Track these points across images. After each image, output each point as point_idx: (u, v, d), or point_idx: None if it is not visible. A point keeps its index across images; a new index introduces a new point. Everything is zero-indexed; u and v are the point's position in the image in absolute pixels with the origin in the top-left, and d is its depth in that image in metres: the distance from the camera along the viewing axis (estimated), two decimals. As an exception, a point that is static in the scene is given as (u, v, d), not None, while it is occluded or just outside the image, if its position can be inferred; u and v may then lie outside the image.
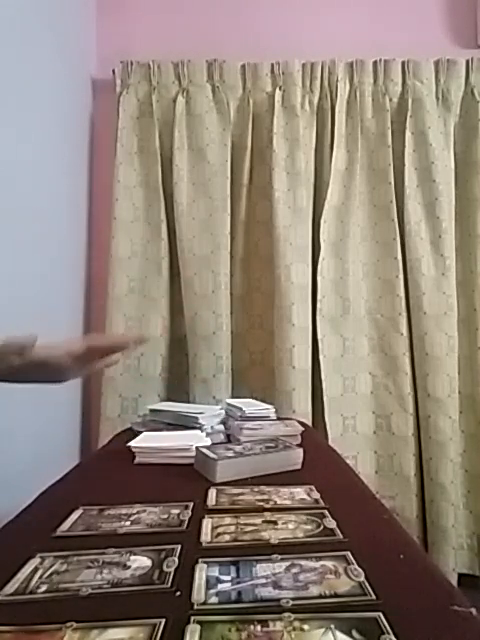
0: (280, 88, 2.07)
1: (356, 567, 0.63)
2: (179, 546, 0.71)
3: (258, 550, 0.69)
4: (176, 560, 0.66)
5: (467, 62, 2.10)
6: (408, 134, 2.05)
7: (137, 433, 1.39)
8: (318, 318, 1.99)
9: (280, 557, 0.66)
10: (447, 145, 2.08)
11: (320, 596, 0.57)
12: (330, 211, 2.04)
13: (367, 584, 0.59)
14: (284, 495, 0.92)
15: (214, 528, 0.77)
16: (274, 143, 2.01)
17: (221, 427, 1.50)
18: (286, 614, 0.53)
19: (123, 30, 2.19)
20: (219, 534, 0.75)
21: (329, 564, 0.64)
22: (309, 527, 0.77)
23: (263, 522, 0.79)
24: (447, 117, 2.09)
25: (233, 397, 1.90)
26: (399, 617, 0.52)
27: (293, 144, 2.04)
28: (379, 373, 2.04)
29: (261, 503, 0.88)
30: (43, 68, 1.68)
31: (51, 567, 0.66)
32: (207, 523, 0.79)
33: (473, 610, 0.54)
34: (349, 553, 0.67)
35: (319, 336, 1.98)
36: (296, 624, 0.51)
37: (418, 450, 1.99)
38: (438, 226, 2.02)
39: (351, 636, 0.49)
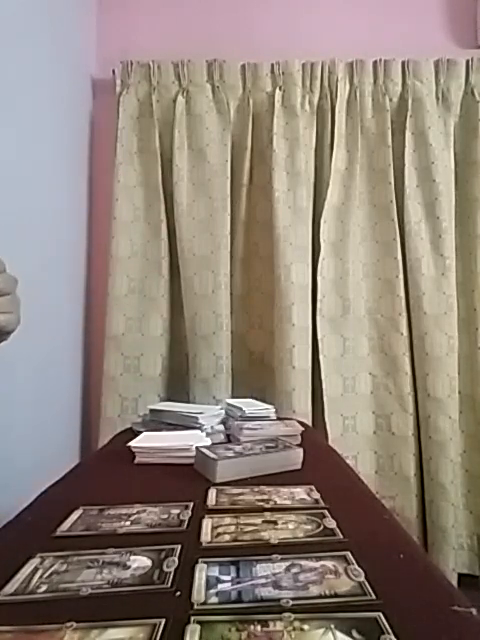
0: (280, 88, 2.07)
1: (356, 567, 0.63)
2: (179, 546, 0.71)
3: (258, 550, 0.69)
4: (176, 560, 0.66)
5: (467, 62, 2.10)
6: (408, 134, 2.05)
7: (137, 433, 1.39)
8: (318, 318, 1.99)
9: (280, 557, 0.66)
10: (447, 145, 2.08)
11: (320, 596, 0.57)
12: (330, 211, 2.04)
13: (367, 584, 0.59)
14: (284, 495, 0.92)
15: (214, 528, 0.77)
16: (274, 143, 2.01)
17: (221, 427, 1.50)
18: (286, 614, 0.53)
19: (123, 30, 2.19)
20: (219, 534, 0.75)
21: (329, 564, 0.64)
22: (309, 527, 0.77)
23: (263, 522, 0.79)
24: (447, 117, 2.09)
25: (233, 397, 1.90)
26: (399, 617, 0.52)
27: (293, 144, 2.04)
28: (379, 373, 2.04)
29: (261, 503, 0.88)
30: (43, 68, 1.68)
31: (51, 567, 0.66)
32: (207, 523, 0.79)
33: (473, 610, 0.54)
34: (349, 553, 0.67)
35: (319, 336, 1.98)
36: (296, 624, 0.51)
37: (418, 450, 1.99)
38: (438, 226, 2.02)
39: (351, 636, 0.49)
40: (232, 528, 0.77)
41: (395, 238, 2.04)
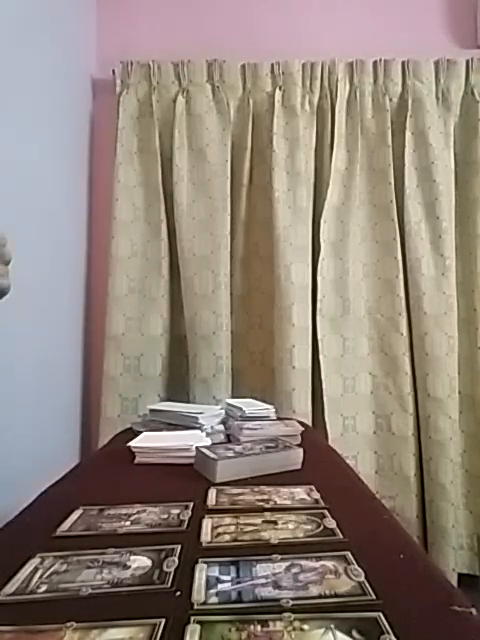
0: (280, 88, 2.07)
1: (356, 567, 0.63)
2: (179, 546, 0.71)
3: (258, 550, 0.69)
4: (176, 560, 0.66)
5: (467, 62, 2.10)
6: (408, 134, 2.05)
7: (137, 433, 1.39)
8: (318, 318, 1.99)
9: (280, 557, 0.66)
10: (447, 145, 2.08)
11: (320, 596, 0.57)
12: (330, 211, 2.04)
13: (367, 584, 0.59)
14: (284, 495, 0.92)
15: (214, 528, 0.77)
16: (274, 143, 2.01)
17: (221, 427, 1.50)
18: (286, 614, 0.53)
19: (123, 30, 2.19)
20: (219, 534, 0.75)
21: (329, 564, 0.64)
22: (309, 527, 0.77)
23: (263, 522, 0.79)
24: (447, 117, 2.09)
25: (233, 397, 1.90)
26: (399, 617, 0.52)
27: (293, 144, 2.04)
28: (379, 373, 2.04)
29: (261, 503, 0.88)
30: (43, 68, 1.68)
31: (51, 567, 0.66)
32: (207, 523, 0.79)
33: (473, 610, 0.54)
34: (349, 553, 0.67)
35: (319, 336, 1.98)
36: (296, 624, 0.51)
37: (418, 450, 1.99)
38: (438, 226, 2.02)
39: (351, 636, 0.49)
40: (232, 528, 0.77)
41: (395, 238, 2.04)
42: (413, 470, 1.96)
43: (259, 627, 0.51)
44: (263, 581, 0.60)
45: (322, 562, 0.65)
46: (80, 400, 2.00)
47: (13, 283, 1.29)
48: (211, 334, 1.95)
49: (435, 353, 1.96)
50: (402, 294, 2.03)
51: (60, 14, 1.83)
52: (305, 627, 0.50)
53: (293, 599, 0.56)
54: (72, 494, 0.98)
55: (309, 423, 1.87)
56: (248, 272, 2.09)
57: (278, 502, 0.88)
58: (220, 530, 0.77)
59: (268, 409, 1.57)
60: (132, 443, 1.24)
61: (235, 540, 0.73)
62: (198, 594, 0.57)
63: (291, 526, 0.78)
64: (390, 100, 2.10)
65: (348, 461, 1.42)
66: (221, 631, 0.50)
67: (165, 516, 0.83)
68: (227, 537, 0.74)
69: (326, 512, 0.83)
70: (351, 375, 2.01)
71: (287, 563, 0.65)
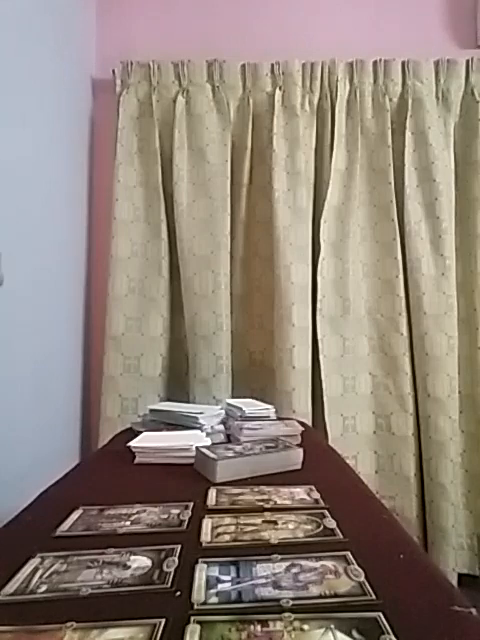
0: (280, 88, 2.07)
1: (356, 567, 0.63)
2: (179, 546, 0.71)
3: (258, 550, 0.69)
4: (176, 560, 0.66)
5: (467, 62, 2.10)
6: (408, 134, 2.05)
7: (137, 433, 1.39)
8: (318, 318, 1.99)
9: (280, 557, 0.66)
10: (447, 145, 2.08)
11: (320, 596, 0.57)
12: (330, 211, 2.04)
13: (367, 584, 0.59)
14: (284, 495, 0.92)
15: (214, 528, 0.77)
16: (274, 143, 2.01)
17: (221, 427, 1.50)
18: (286, 614, 0.53)
19: (123, 30, 2.19)
20: (219, 534, 0.75)
21: (329, 564, 0.64)
22: (309, 527, 0.77)
23: (263, 522, 0.79)
24: (447, 117, 2.09)
25: (233, 397, 1.90)
26: (399, 617, 0.52)
27: (293, 144, 2.04)
28: (379, 373, 2.04)
29: (261, 503, 0.88)
30: (43, 68, 1.68)
31: (51, 567, 0.66)
32: (207, 523, 0.79)
33: (473, 610, 0.54)
34: (349, 553, 0.67)
35: (319, 336, 1.98)
36: (296, 624, 0.51)
37: (418, 450, 1.99)
38: (438, 226, 2.02)
39: (351, 636, 0.49)
40: (232, 528, 0.77)
41: (395, 238, 2.04)
42: (413, 470, 1.96)
43: (259, 627, 0.51)
44: (263, 581, 0.60)
45: (322, 562, 0.65)
46: (80, 400, 2.00)
47: (13, 282, 1.30)
48: (211, 334, 1.95)
49: (435, 353, 1.96)
50: (402, 294, 2.03)
51: (60, 14, 1.83)
52: (305, 627, 0.50)
53: (293, 599, 0.56)
54: (72, 494, 0.98)
55: (309, 423, 1.87)
56: (248, 272, 2.09)
57: (278, 502, 0.88)
58: (220, 530, 0.77)
59: (268, 409, 1.57)
60: (132, 443, 1.24)
61: (235, 540, 0.73)
62: (198, 594, 0.57)
63: (291, 526, 0.78)
64: (390, 100, 2.10)
65: (348, 461, 1.42)
66: (221, 631, 0.50)
67: (165, 516, 0.83)
68: (227, 537, 0.74)
69: (326, 512, 0.83)
70: (351, 375, 2.01)
71: (287, 563, 0.65)
